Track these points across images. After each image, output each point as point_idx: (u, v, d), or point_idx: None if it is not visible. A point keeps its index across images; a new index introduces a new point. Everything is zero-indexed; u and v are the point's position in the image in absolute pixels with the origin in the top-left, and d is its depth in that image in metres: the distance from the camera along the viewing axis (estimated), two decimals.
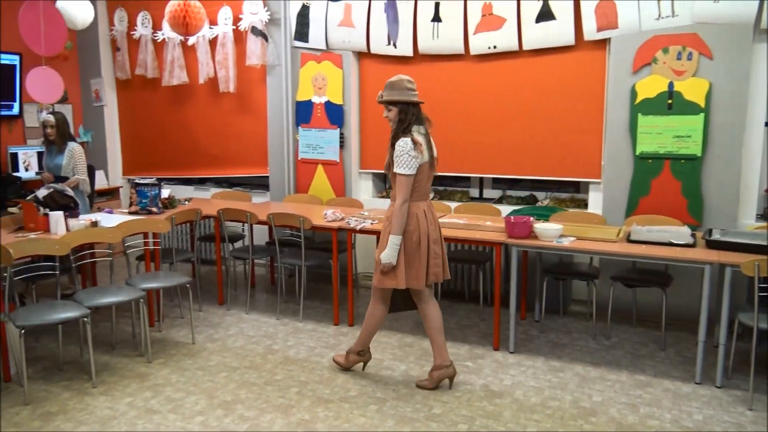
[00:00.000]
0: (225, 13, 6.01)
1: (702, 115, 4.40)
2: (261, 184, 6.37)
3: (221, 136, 6.43)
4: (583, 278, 4.64)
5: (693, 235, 3.92)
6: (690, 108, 4.44)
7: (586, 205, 5.09)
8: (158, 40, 6.45)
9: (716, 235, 3.85)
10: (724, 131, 4.38)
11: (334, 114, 5.71)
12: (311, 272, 5.63)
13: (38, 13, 3.97)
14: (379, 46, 5.44)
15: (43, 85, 4.27)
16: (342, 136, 5.74)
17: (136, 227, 4.41)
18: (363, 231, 4.51)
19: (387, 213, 3.55)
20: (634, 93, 4.59)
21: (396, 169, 3.38)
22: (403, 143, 3.37)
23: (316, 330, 4.57)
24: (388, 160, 3.48)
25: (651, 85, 4.54)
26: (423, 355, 4.10)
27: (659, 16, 4.46)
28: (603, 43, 4.72)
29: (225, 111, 6.36)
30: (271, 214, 4.74)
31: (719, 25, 4.30)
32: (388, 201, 5.57)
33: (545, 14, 4.79)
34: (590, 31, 4.69)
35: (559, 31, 4.77)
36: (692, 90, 4.42)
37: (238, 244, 5.69)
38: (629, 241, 3.96)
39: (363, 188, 5.92)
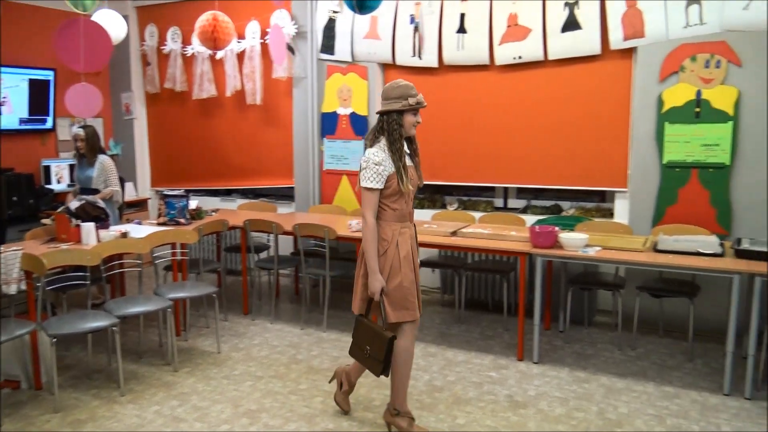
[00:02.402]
0: (253, 27, 6.11)
1: (731, 123, 4.34)
2: (286, 195, 6.44)
3: (247, 147, 6.52)
4: (609, 288, 4.58)
5: (721, 245, 3.87)
6: (718, 116, 4.38)
7: (611, 215, 5.04)
8: (187, 55, 6.58)
9: (745, 245, 3.79)
10: (753, 139, 4.32)
11: (359, 125, 5.75)
12: (335, 282, 5.64)
13: (78, 30, 4.01)
14: (405, 57, 5.47)
15: (82, 101, 4.36)
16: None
17: (164, 238, 4.49)
18: None
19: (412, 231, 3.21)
20: (660, 102, 4.55)
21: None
22: None
23: (339, 340, 4.58)
24: (419, 171, 3.14)
25: (678, 94, 4.49)
26: (447, 365, 4.09)
27: (687, 24, 4.43)
28: (629, 52, 4.69)
29: (251, 123, 6.45)
30: (297, 225, 4.78)
31: (748, 32, 4.25)
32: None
33: (571, 24, 4.78)
34: (617, 41, 4.66)
35: (585, 41, 4.76)
36: (721, 98, 4.36)
37: (264, 255, 5.74)
38: (656, 250, 3.92)
39: None
